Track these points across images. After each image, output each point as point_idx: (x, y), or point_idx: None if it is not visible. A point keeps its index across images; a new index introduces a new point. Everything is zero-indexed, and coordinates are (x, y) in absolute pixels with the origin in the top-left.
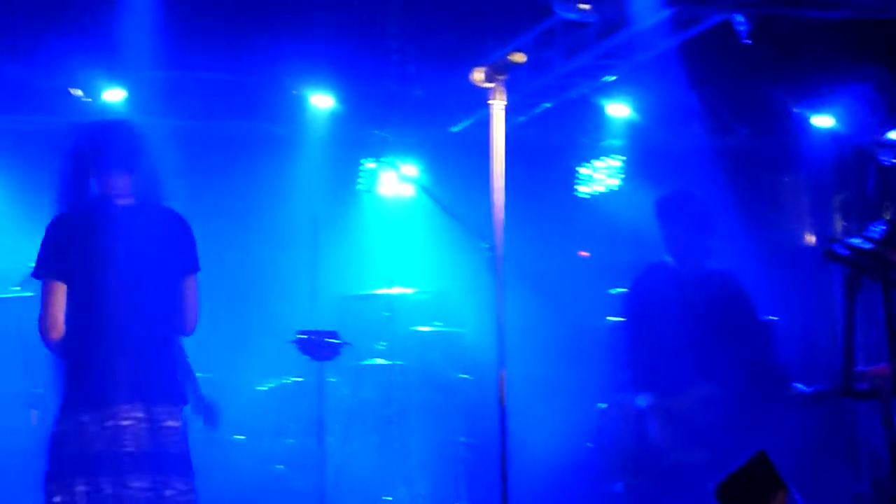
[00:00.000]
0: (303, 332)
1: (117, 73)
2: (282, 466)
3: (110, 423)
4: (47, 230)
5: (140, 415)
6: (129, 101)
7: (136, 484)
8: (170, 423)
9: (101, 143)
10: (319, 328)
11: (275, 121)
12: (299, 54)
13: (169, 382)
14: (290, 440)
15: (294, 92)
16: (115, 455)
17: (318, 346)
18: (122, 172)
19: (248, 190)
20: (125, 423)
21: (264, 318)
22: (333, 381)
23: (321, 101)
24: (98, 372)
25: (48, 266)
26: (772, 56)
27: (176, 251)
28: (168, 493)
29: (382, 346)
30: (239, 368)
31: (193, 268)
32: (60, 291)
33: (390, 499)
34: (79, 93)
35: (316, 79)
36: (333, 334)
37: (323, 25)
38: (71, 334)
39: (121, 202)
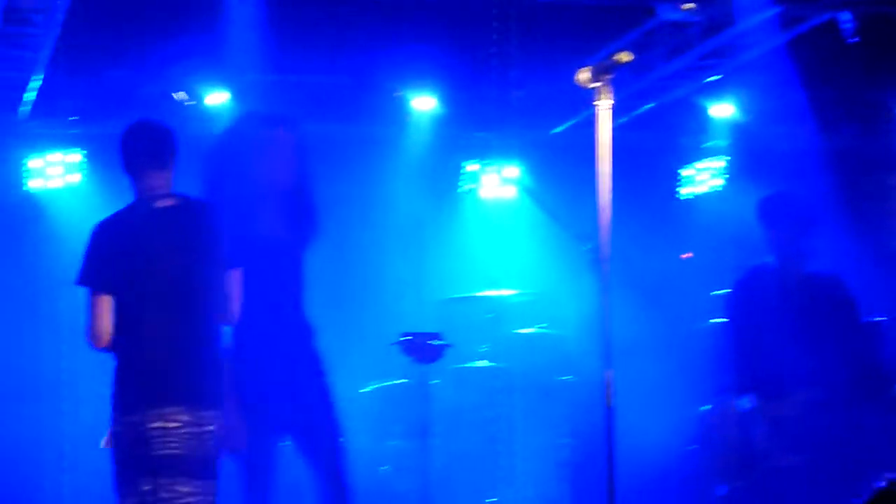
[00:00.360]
0: (407, 334)
1: (221, 77)
2: (386, 468)
3: (156, 424)
4: (90, 238)
5: (186, 417)
6: (232, 104)
7: (182, 489)
8: (209, 427)
9: (131, 144)
10: (423, 330)
11: (377, 123)
12: (401, 57)
13: (211, 385)
14: (394, 442)
15: (396, 94)
16: (161, 457)
17: (422, 348)
18: (156, 170)
19: (352, 192)
20: (171, 425)
21: (368, 321)
22: (436, 383)
23: (423, 104)
24: (144, 374)
25: (92, 277)
26: (878, 55)
27: (215, 247)
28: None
29: (485, 348)
30: (342, 371)
31: (233, 263)
32: (105, 302)
33: (495, 500)
34: (182, 96)
35: (418, 81)
36: (437, 336)
37: (424, 28)
38: (118, 337)
39: (159, 203)
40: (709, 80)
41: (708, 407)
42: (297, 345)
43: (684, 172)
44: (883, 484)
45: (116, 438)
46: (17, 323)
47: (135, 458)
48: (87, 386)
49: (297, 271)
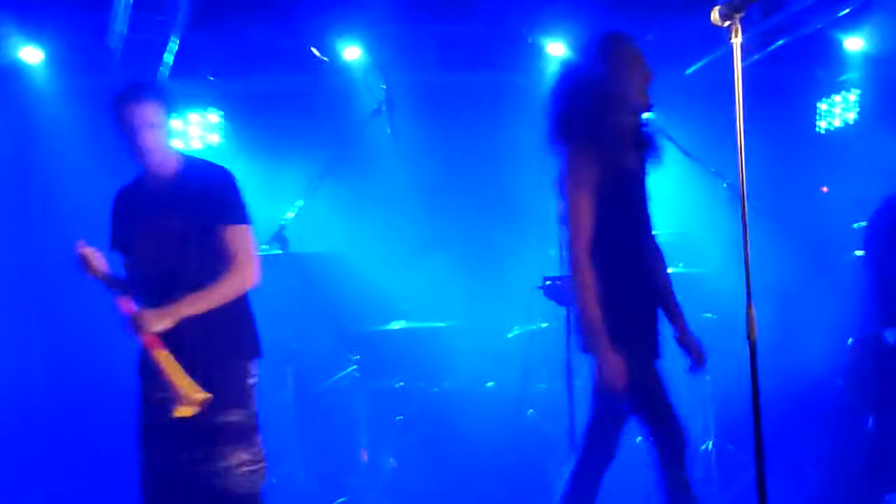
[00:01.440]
0: (549, 279)
1: (354, 31)
2: (532, 411)
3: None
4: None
5: None
6: (365, 57)
7: None
8: None
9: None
10: (564, 274)
11: (513, 71)
12: (533, 3)
13: None
14: (540, 385)
15: (529, 41)
16: None
17: (564, 292)
18: None
19: (492, 140)
20: None
21: (513, 267)
22: None
23: (556, 49)
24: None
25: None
26: None
27: None
28: None
29: None
30: (490, 316)
31: None
32: None
33: (640, 440)
34: (316, 52)
35: (550, 27)
36: None
37: None
38: None
39: None
40: (841, 13)
41: (853, 340)
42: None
43: (821, 107)
44: None
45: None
46: None
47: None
48: None
49: (645, 196)
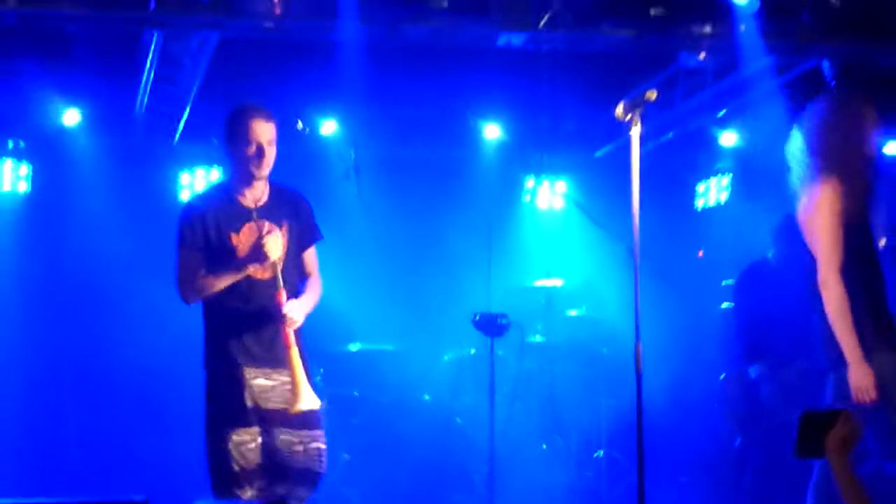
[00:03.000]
0: (478, 314)
1: (331, 109)
2: (460, 420)
3: None
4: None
5: None
6: (341, 131)
7: None
8: None
9: None
10: (492, 311)
11: (455, 147)
12: (476, 93)
13: None
14: (467, 399)
15: (471, 124)
16: None
17: (491, 325)
18: None
19: (438, 202)
20: None
21: (450, 303)
22: (501, 353)
23: (491, 132)
24: None
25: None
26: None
27: None
28: None
29: (541, 326)
30: (429, 342)
31: None
32: None
33: (545, 447)
34: (300, 125)
35: (488, 113)
36: (503, 316)
37: (496, 74)
38: None
39: None
40: (719, 114)
41: (724, 375)
42: None
43: (699, 188)
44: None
45: None
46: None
47: None
48: None
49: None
